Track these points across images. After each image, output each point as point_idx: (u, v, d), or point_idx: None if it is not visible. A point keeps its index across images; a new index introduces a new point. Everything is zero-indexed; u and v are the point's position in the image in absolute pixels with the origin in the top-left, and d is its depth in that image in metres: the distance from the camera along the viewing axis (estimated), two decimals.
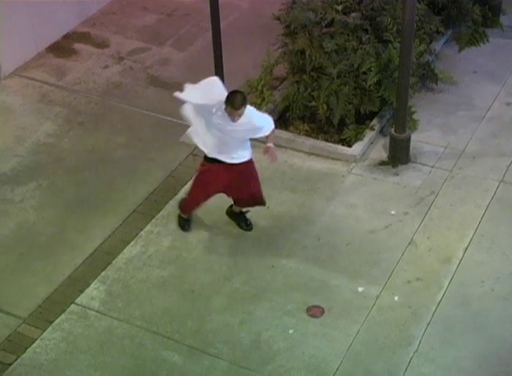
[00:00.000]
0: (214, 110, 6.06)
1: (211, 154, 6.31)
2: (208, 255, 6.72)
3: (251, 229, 6.86)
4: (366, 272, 6.50)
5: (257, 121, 6.16)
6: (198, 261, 6.68)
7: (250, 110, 6.09)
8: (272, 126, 6.26)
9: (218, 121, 6.10)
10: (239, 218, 6.88)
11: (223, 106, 6.01)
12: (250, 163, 6.45)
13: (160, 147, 7.87)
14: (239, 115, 5.97)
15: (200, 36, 9.50)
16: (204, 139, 6.26)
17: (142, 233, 6.94)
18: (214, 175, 6.37)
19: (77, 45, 9.42)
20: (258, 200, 6.65)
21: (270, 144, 6.30)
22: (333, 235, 6.86)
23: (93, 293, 6.40)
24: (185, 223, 6.89)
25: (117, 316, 6.22)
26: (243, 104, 5.95)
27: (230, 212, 6.94)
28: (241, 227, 6.87)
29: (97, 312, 6.25)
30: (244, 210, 6.85)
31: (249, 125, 6.12)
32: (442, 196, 7.20)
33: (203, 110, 6.15)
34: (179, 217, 6.91)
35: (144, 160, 7.67)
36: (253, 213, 7.01)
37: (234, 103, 5.92)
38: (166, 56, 9.25)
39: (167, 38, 9.53)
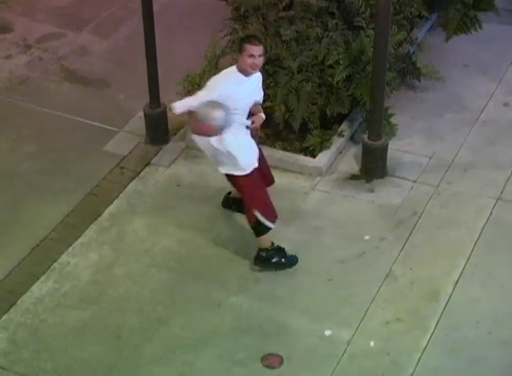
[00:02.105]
0: (231, 86, 6.25)
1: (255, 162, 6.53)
2: (139, 292, 6.74)
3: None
4: (335, 312, 6.58)
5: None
6: (126, 299, 6.68)
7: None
8: None
9: (244, 92, 6.29)
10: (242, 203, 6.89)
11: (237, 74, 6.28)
12: None
13: (79, 158, 7.87)
14: (261, 55, 6.24)
15: (127, 20, 9.56)
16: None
17: (55, 264, 6.92)
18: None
19: None
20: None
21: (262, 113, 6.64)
22: (294, 266, 6.94)
23: None
24: (282, 254, 6.76)
25: (24, 370, 6.18)
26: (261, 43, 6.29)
27: (232, 200, 7.16)
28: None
29: None
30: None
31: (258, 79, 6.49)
32: (427, 217, 7.35)
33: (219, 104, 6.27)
34: (269, 253, 6.71)
35: (58, 174, 7.66)
36: (192, 239, 7.05)
37: (252, 39, 6.26)
38: (85, 45, 9.28)
39: (86, 22, 9.56)
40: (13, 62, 8.97)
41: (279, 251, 6.82)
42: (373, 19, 7.56)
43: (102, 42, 9.29)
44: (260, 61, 6.29)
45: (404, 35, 8.20)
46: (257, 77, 6.52)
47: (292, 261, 6.84)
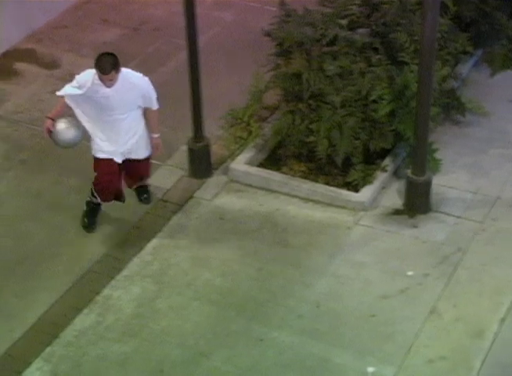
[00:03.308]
0: (89, 84, 6.87)
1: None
2: (181, 326, 6.75)
3: (148, 202, 7.67)
4: (378, 349, 6.54)
5: (136, 80, 7.07)
6: (168, 333, 6.70)
7: (126, 72, 6.96)
8: (155, 95, 7.19)
9: (96, 90, 6.88)
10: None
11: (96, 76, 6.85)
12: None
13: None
14: (111, 80, 6.77)
15: (172, 55, 9.68)
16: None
17: (98, 297, 6.96)
18: None
19: (19, 65, 9.57)
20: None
21: (157, 135, 7.33)
22: (337, 301, 6.92)
23: (35, 375, 6.38)
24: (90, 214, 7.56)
25: None
26: (114, 68, 6.75)
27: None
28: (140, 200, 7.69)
29: None
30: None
31: (129, 88, 6.97)
32: (471, 254, 7.30)
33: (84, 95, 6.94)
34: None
35: (102, 207, 7.73)
36: (235, 273, 7.07)
37: (102, 67, 6.74)
38: None
39: (131, 58, 9.69)
40: None
41: (92, 210, 7.47)
42: (417, 54, 7.57)
43: (147, 77, 9.38)
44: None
45: (448, 70, 8.22)
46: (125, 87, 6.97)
47: (85, 224, 7.50)
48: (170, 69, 9.47)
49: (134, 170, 7.47)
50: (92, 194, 7.40)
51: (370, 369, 6.38)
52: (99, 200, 7.39)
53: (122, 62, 9.58)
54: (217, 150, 8.32)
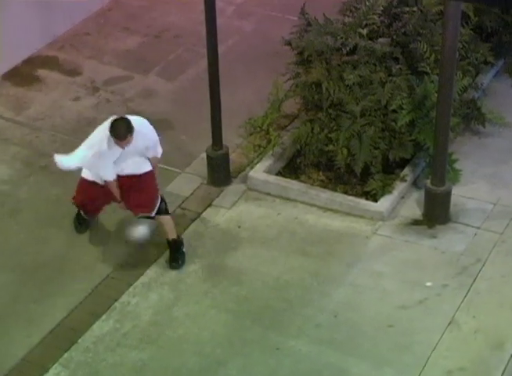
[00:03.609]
0: (105, 146, 6.80)
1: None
2: (198, 334, 6.75)
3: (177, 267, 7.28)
4: (395, 359, 6.50)
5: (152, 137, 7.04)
6: (185, 341, 6.70)
7: (140, 131, 6.82)
8: (160, 148, 7.17)
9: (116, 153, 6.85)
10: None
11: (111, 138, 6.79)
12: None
13: None
14: (128, 143, 6.75)
15: (193, 63, 9.70)
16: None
17: (116, 304, 6.98)
18: None
19: (41, 72, 9.62)
20: None
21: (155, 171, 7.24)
22: (354, 311, 6.89)
23: None
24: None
25: None
26: (129, 132, 6.72)
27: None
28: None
29: None
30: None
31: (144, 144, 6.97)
32: (491, 264, 7.25)
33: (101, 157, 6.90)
34: None
35: (120, 215, 7.75)
36: (252, 281, 7.06)
37: (117, 134, 6.71)
38: (151, 87, 9.43)
39: (152, 65, 9.74)
40: (81, 104, 9.16)
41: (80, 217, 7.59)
42: (437, 64, 7.55)
43: (168, 84, 9.44)
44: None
45: (469, 81, 8.19)
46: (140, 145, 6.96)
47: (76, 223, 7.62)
48: (190, 76, 9.49)
49: (133, 195, 7.10)
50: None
51: None
52: (82, 213, 7.54)
53: (143, 69, 9.73)
54: (236, 158, 8.32)
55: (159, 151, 7.17)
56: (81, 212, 7.54)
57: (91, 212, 7.52)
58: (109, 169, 6.96)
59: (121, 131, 6.72)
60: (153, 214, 7.12)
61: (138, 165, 7.07)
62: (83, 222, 7.63)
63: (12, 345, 6.65)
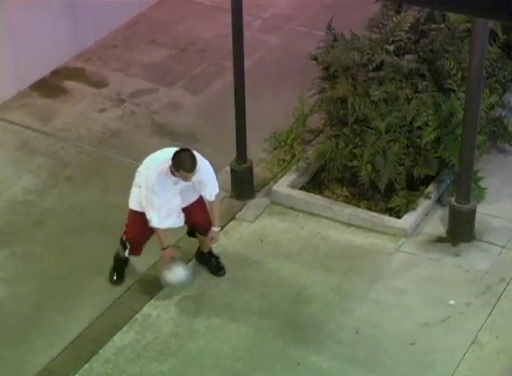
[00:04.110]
0: (161, 186, 6.53)
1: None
2: (218, 347, 6.73)
3: (223, 274, 7.25)
4: None
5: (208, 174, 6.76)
6: (205, 353, 6.68)
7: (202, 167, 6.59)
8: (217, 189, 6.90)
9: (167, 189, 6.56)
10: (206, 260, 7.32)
11: (167, 170, 6.50)
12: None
13: None
14: (195, 174, 6.47)
15: (218, 77, 9.72)
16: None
17: (137, 316, 6.97)
18: None
19: (68, 83, 9.68)
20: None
21: (216, 229, 6.98)
22: (376, 328, 6.85)
23: None
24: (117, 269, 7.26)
25: None
26: (195, 163, 6.43)
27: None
28: (211, 271, 7.26)
29: None
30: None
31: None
32: None
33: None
34: None
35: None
36: (274, 295, 7.04)
37: (187, 165, 6.40)
38: (176, 100, 9.46)
39: (178, 78, 9.77)
40: (107, 115, 9.21)
41: (119, 266, 7.21)
42: (464, 81, 7.53)
43: (193, 98, 9.46)
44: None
45: (496, 99, 8.16)
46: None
47: (113, 280, 7.21)
48: (216, 90, 9.51)
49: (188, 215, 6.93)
50: (122, 245, 7.06)
51: None
52: (126, 254, 7.04)
53: (168, 82, 9.77)
54: (260, 172, 8.32)
55: (215, 189, 6.83)
56: (126, 253, 7.03)
57: (139, 250, 7.07)
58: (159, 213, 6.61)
59: (193, 163, 6.37)
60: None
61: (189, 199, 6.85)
62: (122, 272, 7.25)
63: (34, 354, 6.66)
